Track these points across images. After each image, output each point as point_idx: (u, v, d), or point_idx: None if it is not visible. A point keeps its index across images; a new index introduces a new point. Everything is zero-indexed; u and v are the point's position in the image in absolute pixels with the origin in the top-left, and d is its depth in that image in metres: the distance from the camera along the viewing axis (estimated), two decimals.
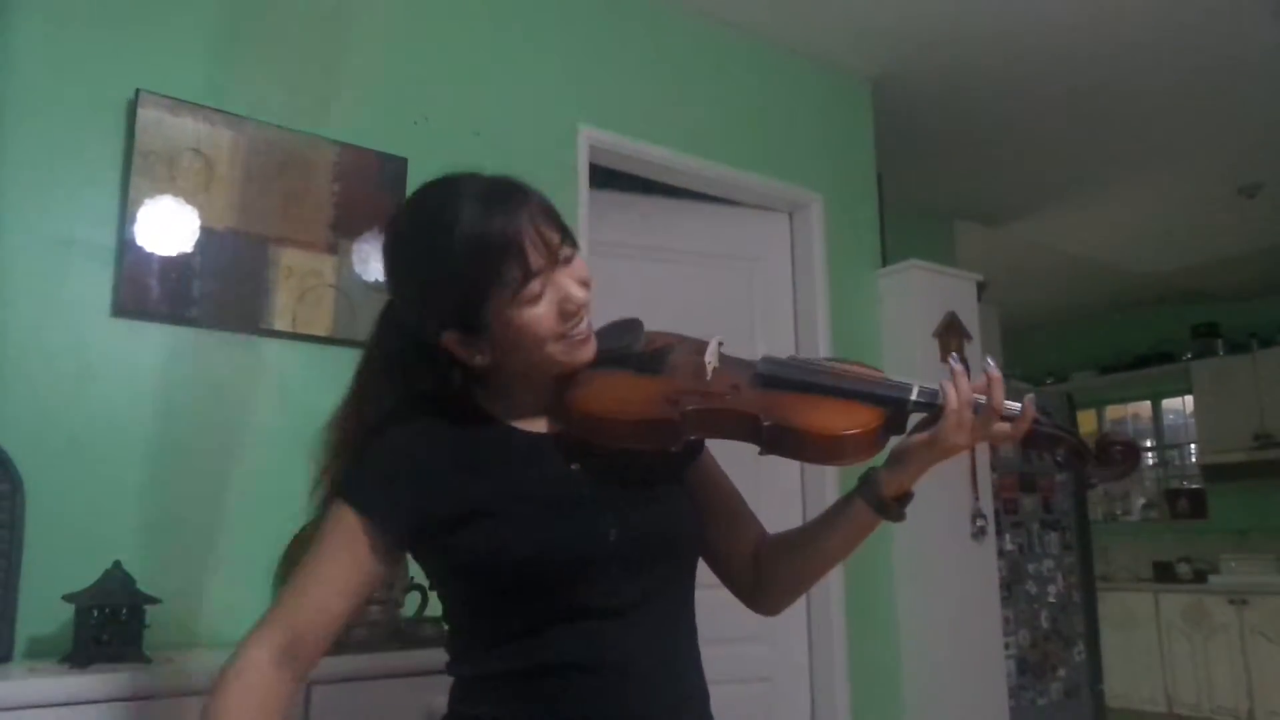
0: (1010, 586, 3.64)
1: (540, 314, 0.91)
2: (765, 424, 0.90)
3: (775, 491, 2.82)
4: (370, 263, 2.17)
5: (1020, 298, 5.94)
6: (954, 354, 0.98)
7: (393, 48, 2.34)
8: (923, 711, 2.97)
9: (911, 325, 3.20)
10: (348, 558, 0.92)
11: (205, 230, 1.96)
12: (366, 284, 2.16)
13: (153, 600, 1.59)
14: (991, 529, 3.25)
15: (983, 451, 3.31)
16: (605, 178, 2.78)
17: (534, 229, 0.90)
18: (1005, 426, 0.92)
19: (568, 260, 0.93)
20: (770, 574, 1.07)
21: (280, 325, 2.03)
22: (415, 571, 1.98)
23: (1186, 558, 5.87)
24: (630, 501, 0.95)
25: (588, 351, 0.96)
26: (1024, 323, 6.63)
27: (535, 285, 0.90)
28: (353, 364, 2.12)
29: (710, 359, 0.99)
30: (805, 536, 1.05)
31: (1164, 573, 5.86)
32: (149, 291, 1.89)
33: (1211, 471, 6.07)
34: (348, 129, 2.19)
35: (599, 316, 1.01)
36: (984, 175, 4.29)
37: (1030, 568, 3.81)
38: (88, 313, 1.84)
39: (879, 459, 0.97)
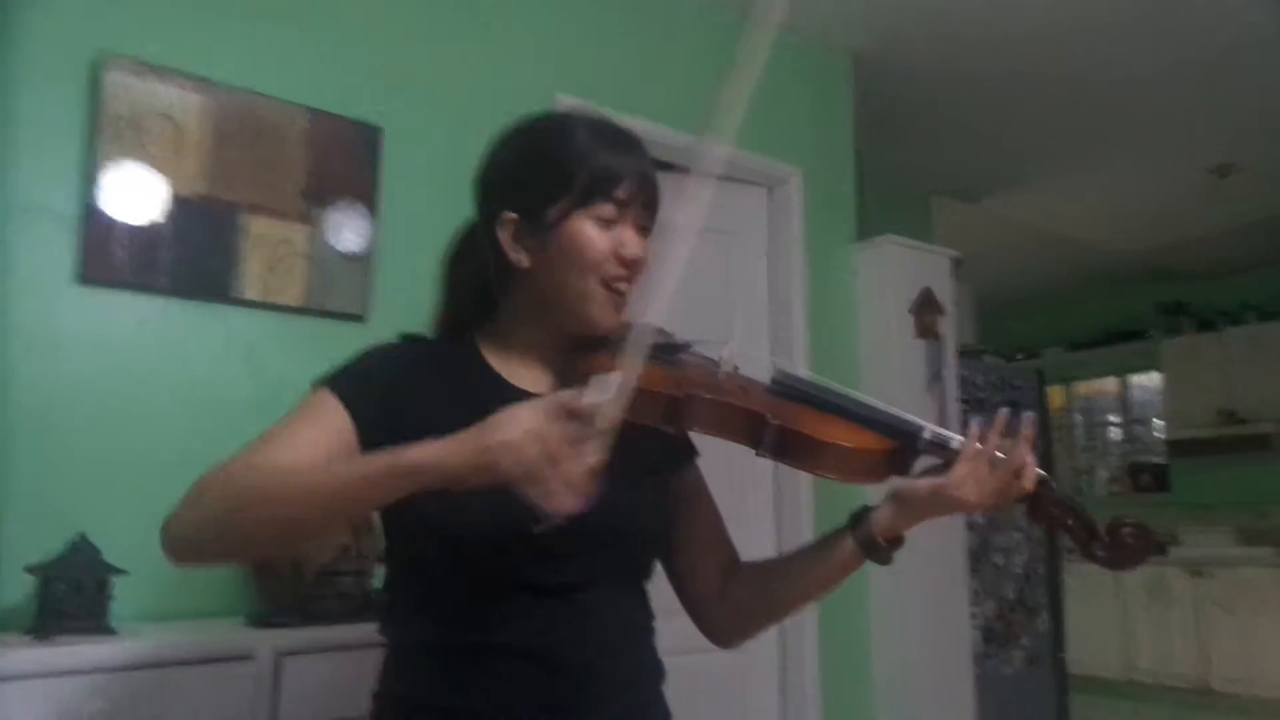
0: (977, 558, 3.70)
1: (598, 239, 0.92)
2: (772, 423, 0.88)
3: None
4: (343, 232, 2.14)
5: (994, 274, 5.98)
6: (1004, 408, 0.93)
7: (368, 13, 2.29)
8: (890, 679, 3.03)
9: (887, 301, 3.22)
10: (318, 434, 0.88)
11: (174, 197, 1.93)
12: (339, 253, 2.13)
13: (119, 572, 1.58)
14: None
15: (953, 424, 3.35)
16: None
17: (638, 175, 0.94)
18: (1016, 484, 0.89)
19: (644, 230, 0.96)
20: (737, 601, 1.03)
21: (251, 295, 2.00)
22: None
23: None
24: (606, 483, 0.93)
25: (613, 317, 0.95)
26: (997, 299, 6.67)
27: (609, 210, 0.93)
28: (325, 334, 2.12)
29: (725, 361, 0.98)
30: (782, 567, 1.02)
31: None
32: (115, 259, 1.85)
33: (1177, 447, 6.18)
34: (321, 95, 2.15)
35: None
36: (961, 152, 4.29)
37: (998, 539, 3.87)
38: (51, 281, 1.80)
39: (869, 496, 0.96)
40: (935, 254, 3.46)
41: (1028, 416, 0.91)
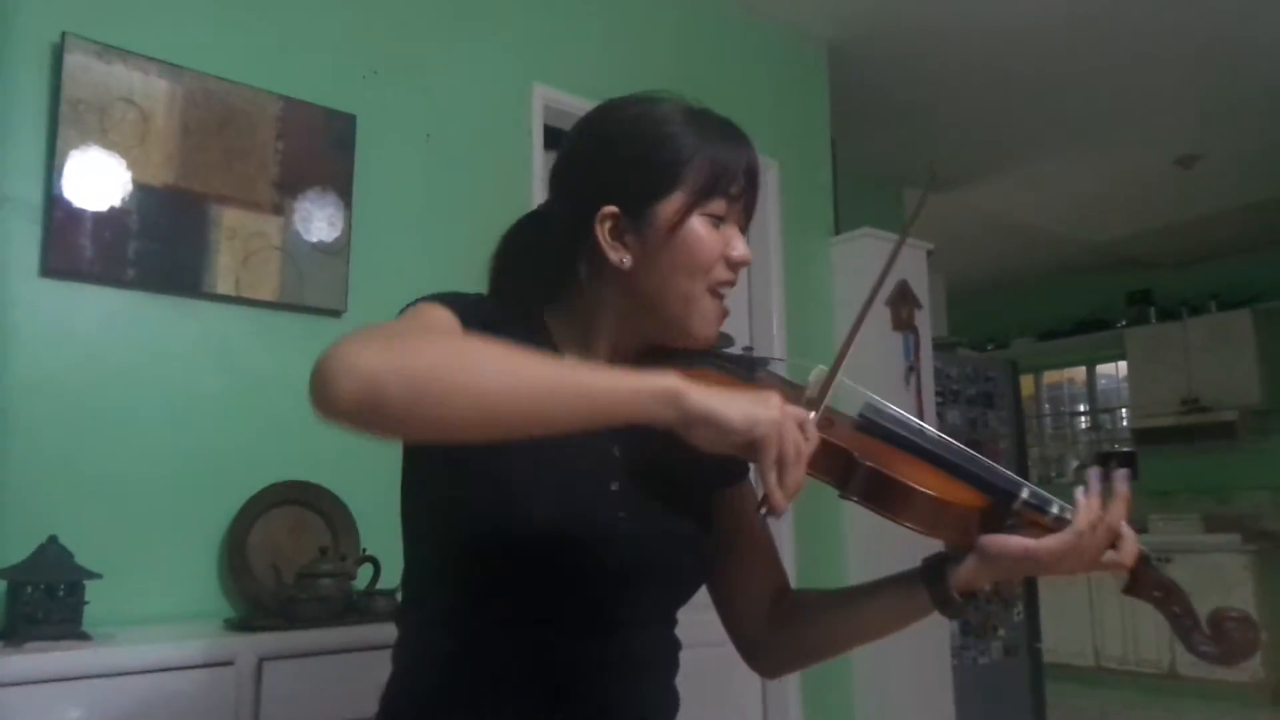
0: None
1: (711, 240, 0.85)
2: (863, 463, 0.80)
3: None
4: (314, 223, 2.08)
5: (964, 264, 6.03)
6: (1095, 467, 0.85)
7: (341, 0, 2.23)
8: (869, 671, 3.03)
9: (863, 293, 3.19)
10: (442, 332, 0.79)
11: (141, 187, 1.86)
12: (314, 246, 2.08)
13: (93, 575, 1.53)
14: None
15: (930, 416, 3.36)
16: (559, 140, 2.72)
17: (749, 170, 0.88)
18: (1113, 555, 0.83)
19: (743, 230, 0.90)
20: (790, 633, 0.97)
21: (223, 289, 1.94)
22: (368, 542, 1.94)
23: None
24: (648, 511, 0.86)
25: (713, 328, 0.88)
26: (967, 289, 6.74)
27: (721, 206, 0.86)
28: (300, 329, 2.06)
29: (811, 387, 0.88)
30: (843, 604, 0.96)
31: None
32: (81, 251, 1.78)
33: (1142, 435, 6.28)
34: (293, 82, 2.09)
35: None
36: (933, 143, 4.31)
37: None
38: (14, 273, 1.74)
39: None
40: (911, 246, 3.46)
41: (1122, 474, 0.84)
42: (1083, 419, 7.24)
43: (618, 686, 0.84)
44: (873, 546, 3.08)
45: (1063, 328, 6.77)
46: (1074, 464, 7.03)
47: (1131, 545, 0.83)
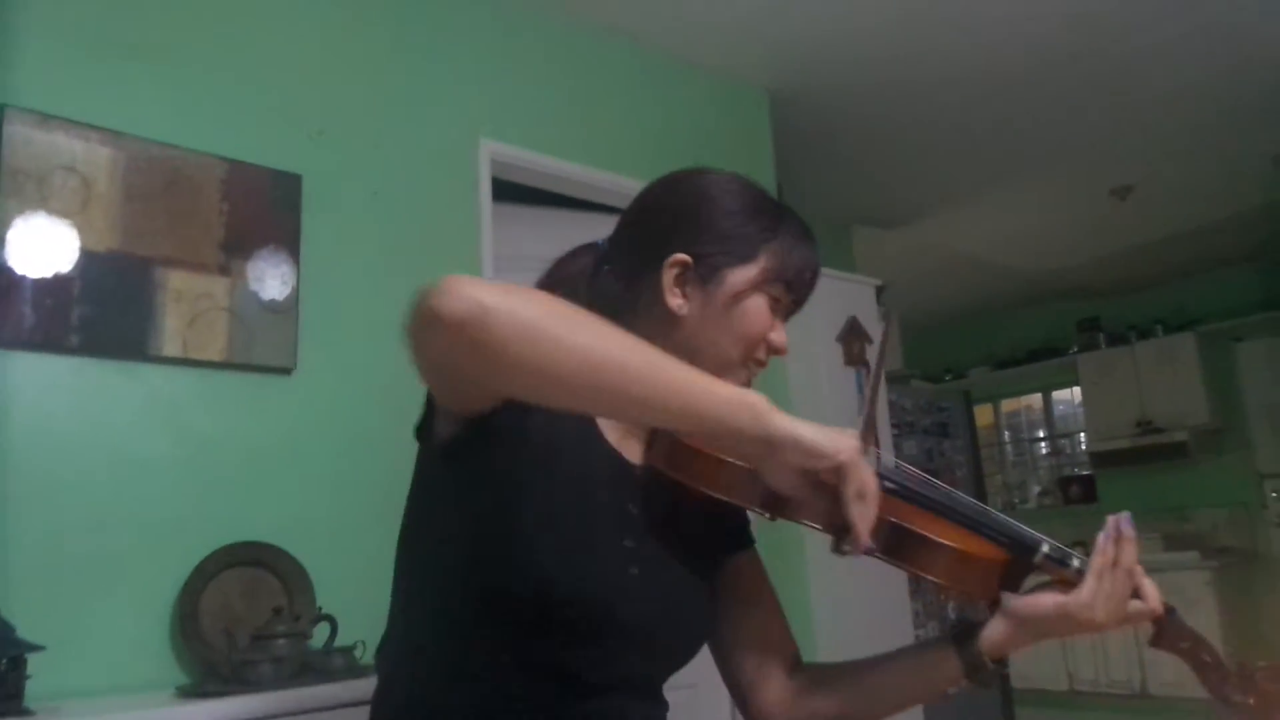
0: (918, 580, 3.74)
1: (762, 314, 0.89)
2: (887, 519, 0.81)
3: None
4: (265, 281, 2.09)
5: (917, 298, 6.15)
6: (1118, 517, 0.85)
7: (285, 58, 2.26)
8: None
9: (814, 331, 3.28)
10: None
11: (84, 252, 1.86)
12: (262, 304, 2.08)
13: (35, 648, 1.49)
14: None
15: (886, 444, 3.41)
16: (507, 191, 2.76)
17: (806, 278, 0.93)
18: (1139, 605, 0.83)
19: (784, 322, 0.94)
20: (809, 706, 0.95)
21: (170, 351, 1.94)
22: (324, 601, 1.92)
23: (1080, 541, 6.15)
24: (661, 569, 0.86)
25: None
26: (921, 323, 6.87)
27: (779, 291, 0.91)
28: (249, 388, 2.06)
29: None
30: (870, 677, 0.94)
31: None
32: (22, 319, 1.77)
33: (1099, 458, 6.38)
34: (237, 145, 2.11)
35: None
36: (878, 182, 4.42)
37: None
38: None
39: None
40: (859, 283, 3.54)
41: (1124, 518, 0.84)
42: (1042, 445, 7.35)
43: None
44: (840, 610, 3.10)
45: (1017, 356, 6.91)
46: (1036, 489, 7.12)
47: (1156, 593, 0.84)
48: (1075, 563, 0.84)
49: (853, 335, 3.37)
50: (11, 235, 1.78)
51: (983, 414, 7.00)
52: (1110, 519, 0.85)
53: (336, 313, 2.20)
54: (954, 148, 4.11)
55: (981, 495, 4.30)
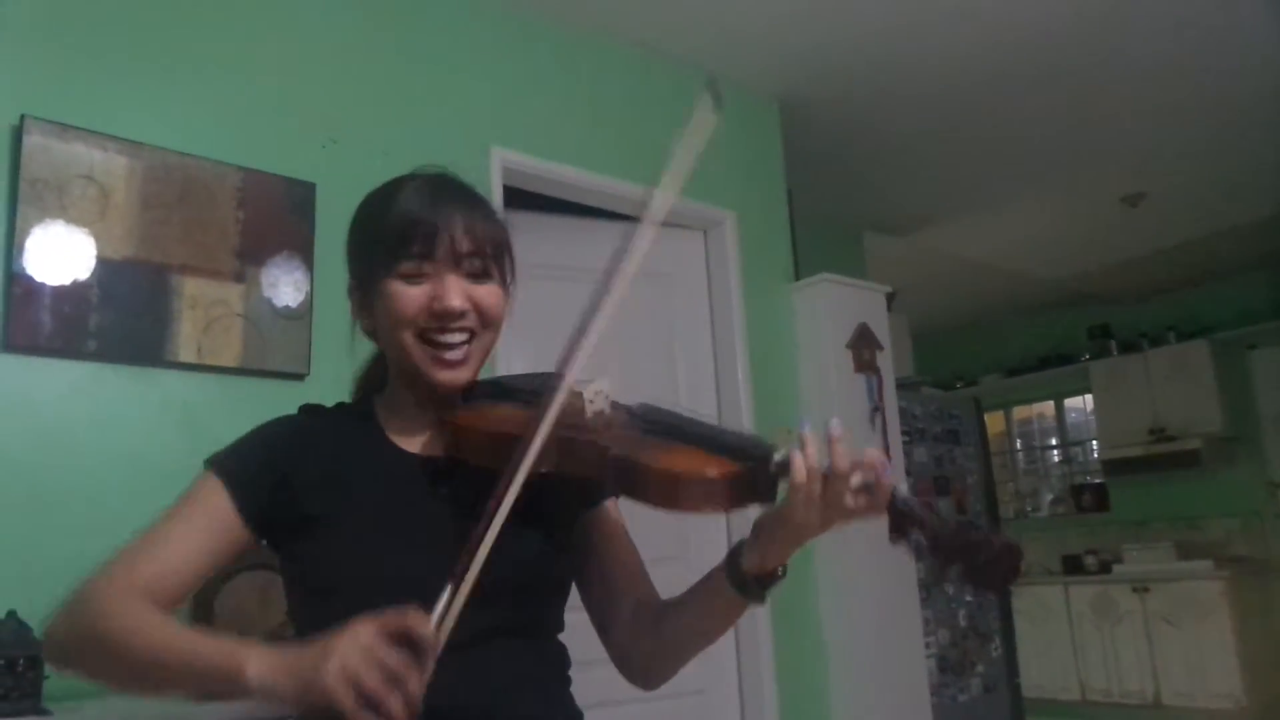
0: (929, 587, 3.74)
1: (408, 295, 0.92)
2: (612, 454, 0.86)
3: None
4: (279, 288, 2.12)
5: (928, 305, 6.14)
6: (805, 420, 0.86)
7: (299, 69, 2.29)
8: (849, 713, 3.03)
9: (825, 337, 3.28)
10: (203, 524, 0.90)
11: (101, 260, 1.89)
12: (276, 311, 2.10)
13: None
14: None
15: (896, 455, 3.41)
16: (519, 198, 2.78)
17: (452, 225, 0.93)
18: (863, 499, 0.81)
19: (474, 275, 0.94)
20: (639, 641, 0.99)
21: (185, 357, 1.97)
22: None
23: (1093, 550, 6.12)
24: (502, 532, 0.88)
25: (453, 375, 0.94)
26: (932, 329, 6.85)
27: (412, 266, 0.92)
28: (263, 394, 2.08)
29: (591, 398, 0.94)
30: (673, 610, 0.97)
31: (1072, 565, 6.10)
32: (41, 326, 1.80)
33: (1112, 466, 6.35)
34: (252, 154, 2.14)
35: (518, 341, 1.00)
36: (889, 189, 4.43)
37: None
38: None
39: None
40: (870, 290, 3.54)
41: (834, 422, 0.83)
42: (1054, 453, 7.32)
43: (495, 700, 0.87)
44: (849, 615, 3.10)
45: (1028, 363, 6.88)
46: (1048, 497, 7.09)
47: (883, 491, 0.81)
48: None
49: (863, 342, 3.37)
50: (31, 243, 1.81)
51: (994, 421, 6.97)
52: (802, 423, 0.84)
53: (349, 320, 2.22)
54: (965, 155, 4.12)
55: (993, 503, 4.29)
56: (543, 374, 0.96)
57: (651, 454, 0.86)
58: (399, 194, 0.96)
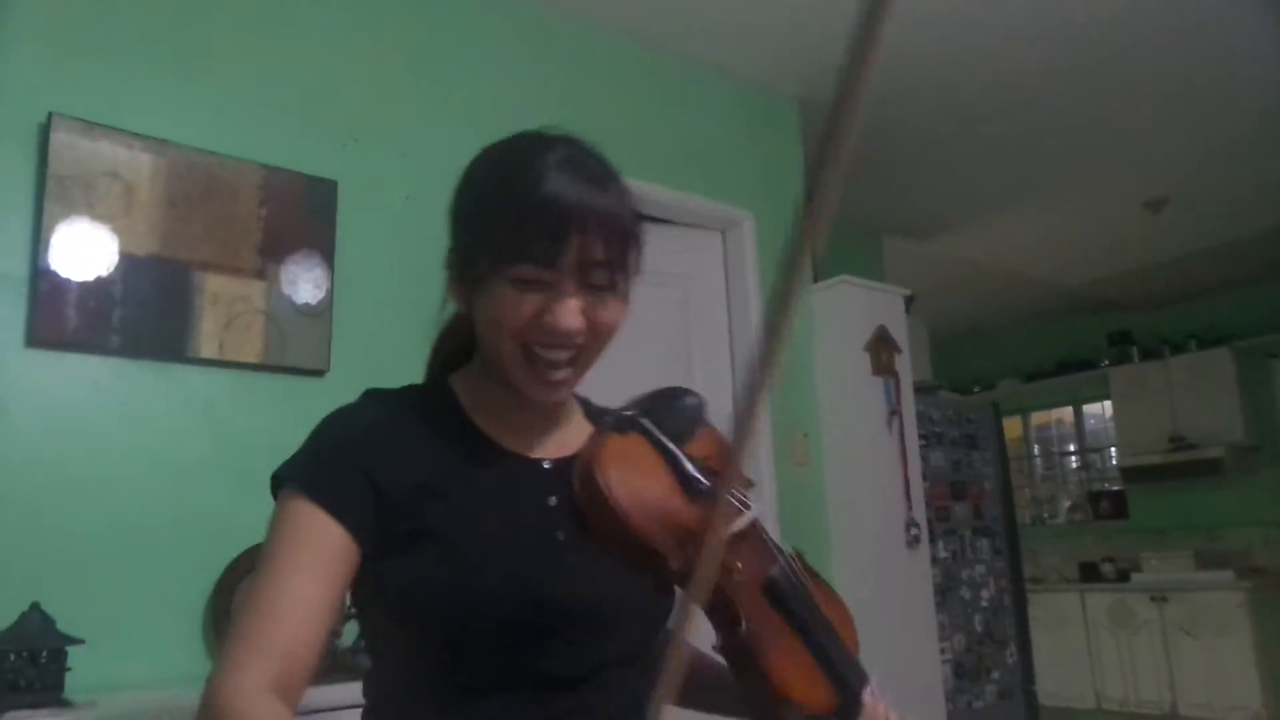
0: (944, 592, 3.72)
1: (518, 304, 0.78)
2: (744, 631, 0.80)
3: None
4: (300, 285, 2.13)
5: (947, 309, 6.11)
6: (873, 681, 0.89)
7: (320, 68, 2.31)
8: None
9: (843, 340, 3.27)
10: (321, 570, 0.75)
11: (125, 257, 1.91)
12: (296, 308, 2.12)
13: (75, 641, 1.53)
14: (925, 537, 3.33)
15: (913, 459, 3.39)
16: None
17: (587, 227, 0.78)
18: None
19: (597, 290, 0.80)
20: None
21: (207, 353, 1.98)
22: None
23: (1110, 557, 6.07)
24: (597, 552, 0.82)
25: (552, 393, 0.84)
26: (951, 333, 6.82)
27: (529, 271, 0.77)
28: (286, 390, 2.10)
29: (742, 523, 0.87)
30: (702, 673, 0.94)
31: (1089, 573, 6.05)
32: (66, 321, 1.82)
33: (1130, 473, 6.29)
34: (274, 152, 2.15)
35: None
36: (908, 192, 4.41)
37: (963, 573, 3.90)
38: (0, 344, 1.77)
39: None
40: (888, 293, 3.53)
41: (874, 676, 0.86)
42: (1072, 459, 7.26)
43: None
44: (865, 621, 3.09)
45: (1046, 369, 6.83)
46: (1065, 504, 7.03)
47: None
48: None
49: (881, 345, 3.36)
50: (56, 239, 1.83)
51: (1011, 426, 6.92)
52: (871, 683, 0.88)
53: (369, 316, 2.23)
54: (985, 159, 4.09)
55: (1010, 508, 4.26)
56: (677, 392, 0.93)
57: (775, 650, 0.82)
58: (531, 170, 0.79)
